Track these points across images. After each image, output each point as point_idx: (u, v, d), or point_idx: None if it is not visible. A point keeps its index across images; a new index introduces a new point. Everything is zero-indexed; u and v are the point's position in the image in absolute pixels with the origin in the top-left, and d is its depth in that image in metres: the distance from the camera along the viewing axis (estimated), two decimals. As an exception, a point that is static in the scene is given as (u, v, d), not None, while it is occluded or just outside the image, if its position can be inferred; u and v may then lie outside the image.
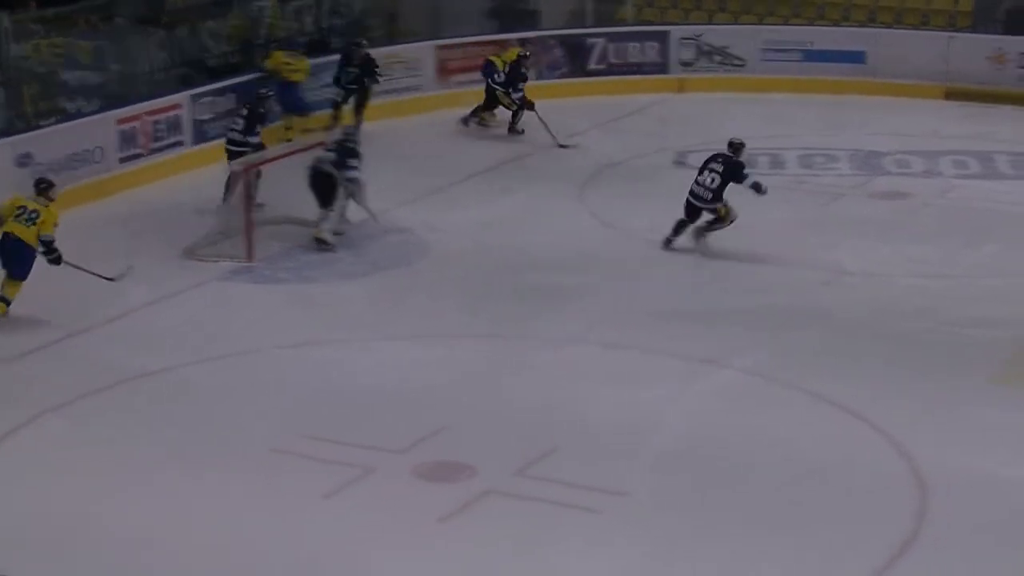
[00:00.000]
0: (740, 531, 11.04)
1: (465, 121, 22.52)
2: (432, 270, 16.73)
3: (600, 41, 25.41)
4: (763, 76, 24.98)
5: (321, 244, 17.05)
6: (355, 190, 17.22)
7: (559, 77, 25.06)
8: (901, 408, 12.95)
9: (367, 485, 11.72)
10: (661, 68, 25.44)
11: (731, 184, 16.85)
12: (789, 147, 21.57)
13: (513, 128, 22.21)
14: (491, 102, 22.46)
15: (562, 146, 21.25)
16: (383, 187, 18.70)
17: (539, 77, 24.51)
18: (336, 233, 17.24)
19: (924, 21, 26.14)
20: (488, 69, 22.47)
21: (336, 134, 18.37)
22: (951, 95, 24.38)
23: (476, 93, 22.99)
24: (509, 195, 19.52)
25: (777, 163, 20.88)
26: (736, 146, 17.10)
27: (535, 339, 14.73)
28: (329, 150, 17.29)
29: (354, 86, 22.22)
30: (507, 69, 22.26)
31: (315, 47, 23.93)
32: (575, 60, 25.21)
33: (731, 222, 16.87)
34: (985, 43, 24.75)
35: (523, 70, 22.21)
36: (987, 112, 23.65)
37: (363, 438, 12.42)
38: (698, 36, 25.45)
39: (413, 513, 11.29)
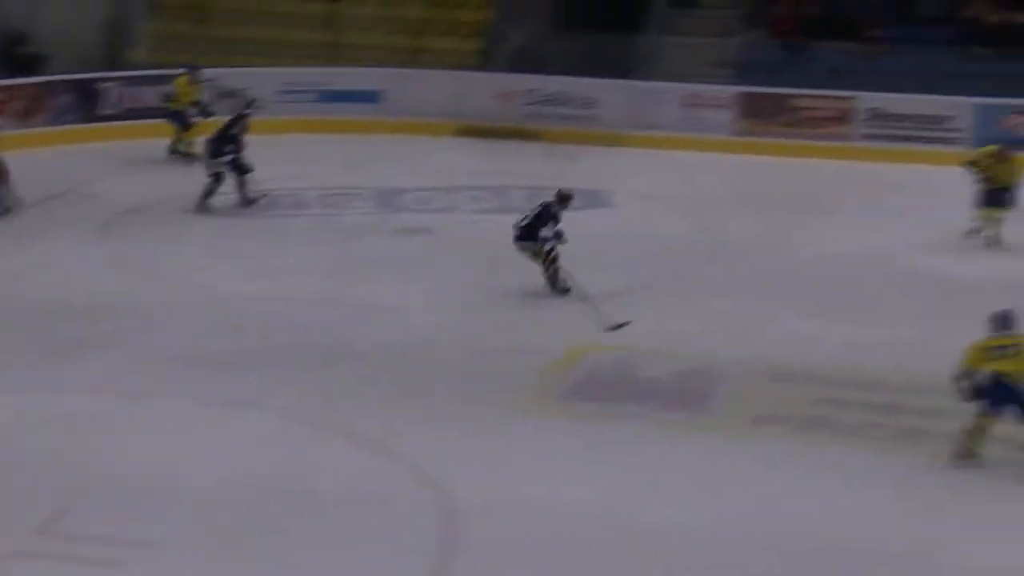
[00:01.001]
0: (274, 573, 10.86)
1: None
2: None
3: (113, 85, 24.82)
4: (281, 118, 24.90)
5: None
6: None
7: (70, 123, 24.28)
8: (431, 439, 13.06)
9: None
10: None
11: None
12: (310, 187, 21.61)
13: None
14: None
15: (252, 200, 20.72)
16: None
17: (50, 123, 23.76)
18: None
19: (436, 61, 26.68)
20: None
21: None
22: (463, 132, 25.00)
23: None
24: (34, 242, 18.79)
25: (300, 203, 20.89)
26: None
27: (58, 391, 14.17)
28: None
29: None
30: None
31: None
32: (87, 105, 24.51)
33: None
34: (493, 81, 25.52)
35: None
36: (498, 148, 24.35)
37: None
38: (211, 80, 25.15)
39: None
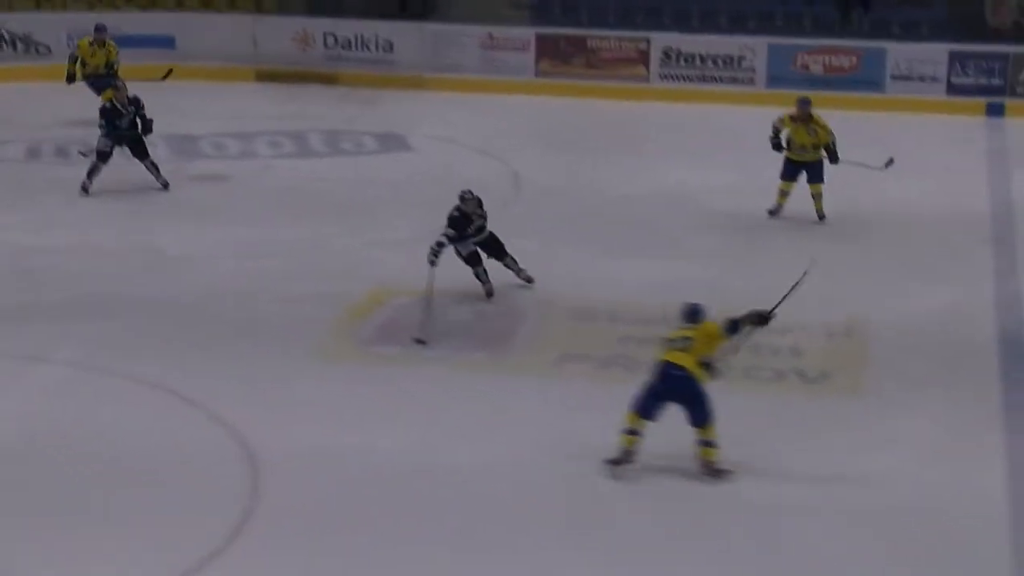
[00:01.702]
0: (68, 527, 10.61)
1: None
2: None
3: None
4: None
5: None
6: None
7: None
8: (229, 389, 12.84)
9: None
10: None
11: None
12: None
13: None
14: None
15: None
16: None
17: None
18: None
19: (231, 5, 26.18)
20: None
21: None
22: (261, 76, 24.65)
23: None
24: None
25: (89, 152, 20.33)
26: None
27: None
28: None
29: None
30: None
31: None
32: None
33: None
34: (290, 24, 25.15)
35: None
36: (297, 92, 24.06)
37: None
38: (2, 25, 24.46)
39: None
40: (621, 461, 11.41)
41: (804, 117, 17.54)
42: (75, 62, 21.45)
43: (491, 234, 15.20)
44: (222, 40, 24.73)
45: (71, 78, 21.23)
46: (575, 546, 10.57)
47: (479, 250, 15.14)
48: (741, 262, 16.15)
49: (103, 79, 20.61)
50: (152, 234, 17.09)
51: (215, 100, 23.34)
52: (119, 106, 18.43)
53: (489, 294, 15.13)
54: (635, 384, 11.47)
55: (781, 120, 17.73)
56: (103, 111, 18.43)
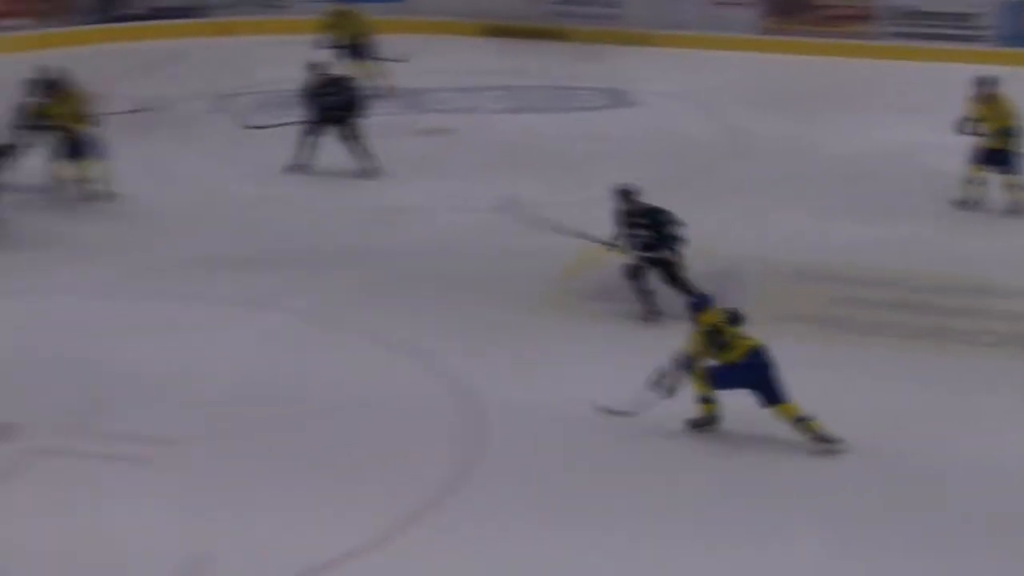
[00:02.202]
0: (295, 471, 11.02)
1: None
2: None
3: (135, -16, 24.80)
4: (304, 17, 24.78)
5: None
6: None
7: (95, 23, 24.27)
8: (453, 341, 13.14)
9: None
10: (200, 12, 24.97)
11: None
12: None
13: None
14: None
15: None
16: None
17: (74, 23, 23.84)
18: None
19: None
20: None
21: None
22: (487, 32, 24.88)
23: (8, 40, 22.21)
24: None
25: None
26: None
27: (68, 292, 14.28)
28: None
29: None
30: None
31: None
32: (108, 4, 24.46)
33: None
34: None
35: None
36: (522, 47, 24.24)
37: None
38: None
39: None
40: (704, 424, 11.57)
41: (987, 98, 16.32)
42: (325, 29, 21.57)
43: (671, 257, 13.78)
44: (450, -5, 25.05)
45: (320, 44, 21.22)
46: (802, 510, 10.66)
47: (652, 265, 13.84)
48: (959, 222, 15.94)
49: (349, 48, 20.94)
50: (380, 187, 17.48)
51: (442, 55, 23.66)
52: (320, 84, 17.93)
53: (648, 318, 13.80)
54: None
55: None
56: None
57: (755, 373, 11.34)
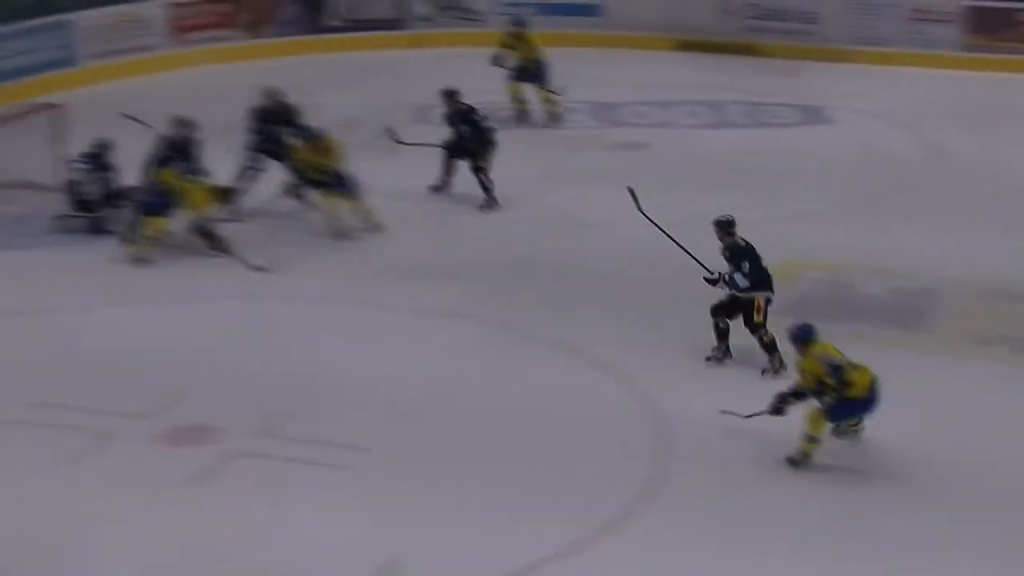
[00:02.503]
0: (484, 481, 11.12)
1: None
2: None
3: (337, -3, 25.19)
4: (500, 30, 24.98)
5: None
6: None
7: (296, 34, 24.74)
8: (642, 355, 13.16)
9: (105, 451, 11.46)
10: (399, 24, 25.29)
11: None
12: (527, 100, 21.64)
13: None
14: None
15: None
16: (119, 150, 18.35)
17: (276, 35, 24.36)
18: None
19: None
20: None
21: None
22: (682, 46, 24.79)
23: (213, 51, 22.68)
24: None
25: (517, 116, 20.97)
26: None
27: (274, 298, 14.55)
28: None
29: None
30: None
31: (42, 8, 23.19)
32: (312, 17, 24.91)
33: None
34: (715, -6, 25.24)
35: None
36: (717, 62, 24.12)
37: (97, 404, 12.13)
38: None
39: (155, 477, 11.12)
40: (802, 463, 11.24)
41: None
42: (503, 48, 21.21)
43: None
44: (646, 9, 24.93)
45: (496, 62, 20.98)
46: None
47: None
48: None
49: (519, 71, 20.83)
50: (569, 199, 17.52)
51: (637, 68, 23.63)
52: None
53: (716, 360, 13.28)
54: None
55: None
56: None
57: (872, 404, 11.08)
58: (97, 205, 16.24)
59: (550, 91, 20.47)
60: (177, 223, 15.68)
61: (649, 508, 10.76)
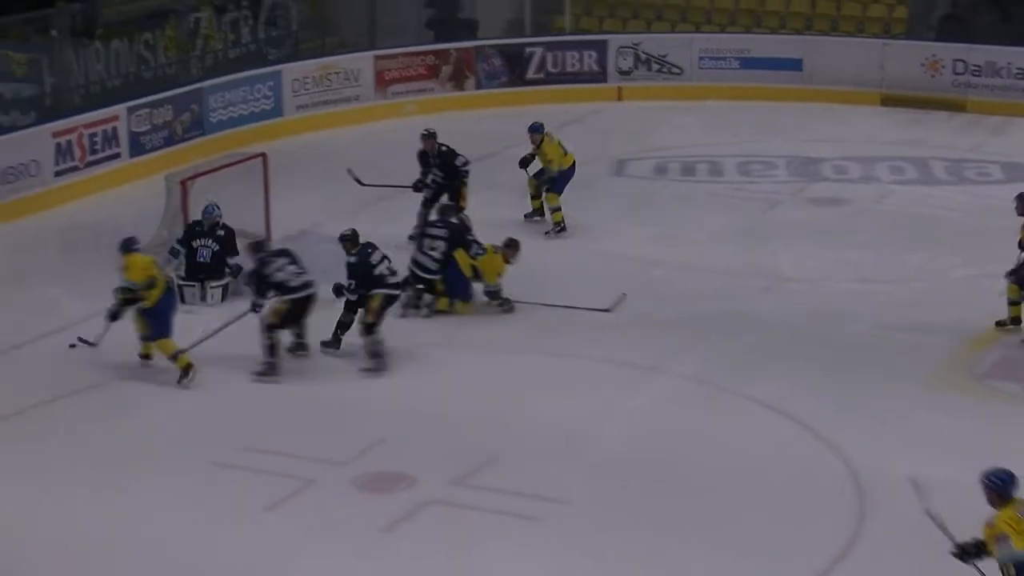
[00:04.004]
0: (681, 537, 11.09)
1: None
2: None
3: (538, 50, 25.43)
4: (700, 84, 25.04)
5: None
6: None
7: (498, 87, 25.08)
8: (839, 412, 13.04)
9: (306, 497, 11.70)
10: (600, 77, 25.47)
11: None
12: (727, 154, 21.64)
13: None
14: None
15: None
16: (323, 197, 18.78)
17: (478, 87, 24.73)
18: None
19: (859, 28, 26.37)
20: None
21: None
22: (887, 101, 24.55)
23: (415, 103, 23.19)
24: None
25: (716, 170, 20.99)
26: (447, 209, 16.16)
27: (473, 349, 14.71)
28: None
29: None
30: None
31: (251, 59, 23.92)
32: (514, 69, 25.22)
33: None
34: (919, 50, 24.93)
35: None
36: (922, 118, 23.83)
37: (302, 450, 12.40)
38: (636, 45, 25.50)
39: (353, 524, 11.28)
40: None
41: None
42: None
43: None
44: (849, 64, 24.77)
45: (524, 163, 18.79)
46: None
47: None
48: None
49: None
50: (768, 254, 17.45)
51: (839, 123, 23.46)
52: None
53: None
54: None
55: None
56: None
57: None
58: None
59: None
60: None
61: (847, 569, 10.63)
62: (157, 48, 22.94)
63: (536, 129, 18.53)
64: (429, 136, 18.07)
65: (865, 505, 11.47)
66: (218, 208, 16.14)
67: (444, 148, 17.97)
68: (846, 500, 11.57)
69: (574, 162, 18.48)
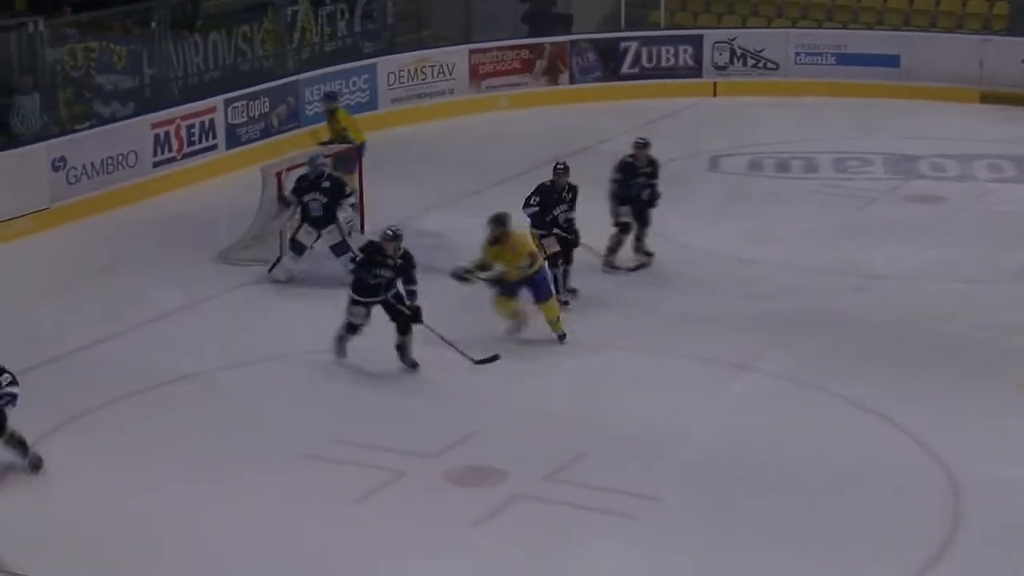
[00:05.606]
0: (772, 536, 11.03)
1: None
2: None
3: (633, 45, 25.38)
4: (797, 79, 24.90)
5: None
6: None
7: (592, 81, 25.06)
8: (932, 413, 12.92)
9: (398, 489, 11.75)
10: (695, 72, 25.39)
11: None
12: (823, 151, 21.52)
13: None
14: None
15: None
16: (417, 191, 18.84)
17: (571, 81, 24.75)
18: None
19: (958, 24, 26.09)
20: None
21: None
22: (986, 98, 24.27)
23: (509, 97, 23.18)
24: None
25: (811, 167, 20.87)
26: None
27: (564, 345, 14.69)
28: None
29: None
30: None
31: (347, 53, 24.08)
32: (608, 64, 25.19)
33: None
34: (1020, 46, 24.60)
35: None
36: (1021, 116, 23.52)
37: (394, 442, 12.45)
38: (732, 40, 25.38)
39: (443, 518, 11.31)
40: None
41: None
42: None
43: None
44: (948, 60, 24.54)
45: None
46: None
47: None
48: None
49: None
50: (862, 252, 17.32)
51: (937, 121, 23.25)
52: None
53: None
54: None
55: None
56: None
57: None
58: None
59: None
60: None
61: (941, 571, 10.54)
62: (254, 41, 23.16)
63: (331, 97, 19.15)
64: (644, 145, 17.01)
65: (959, 508, 11.35)
66: (325, 157, 16.23)
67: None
68: (939, 502, 11.46)
69: (364, 142, 18.53)
